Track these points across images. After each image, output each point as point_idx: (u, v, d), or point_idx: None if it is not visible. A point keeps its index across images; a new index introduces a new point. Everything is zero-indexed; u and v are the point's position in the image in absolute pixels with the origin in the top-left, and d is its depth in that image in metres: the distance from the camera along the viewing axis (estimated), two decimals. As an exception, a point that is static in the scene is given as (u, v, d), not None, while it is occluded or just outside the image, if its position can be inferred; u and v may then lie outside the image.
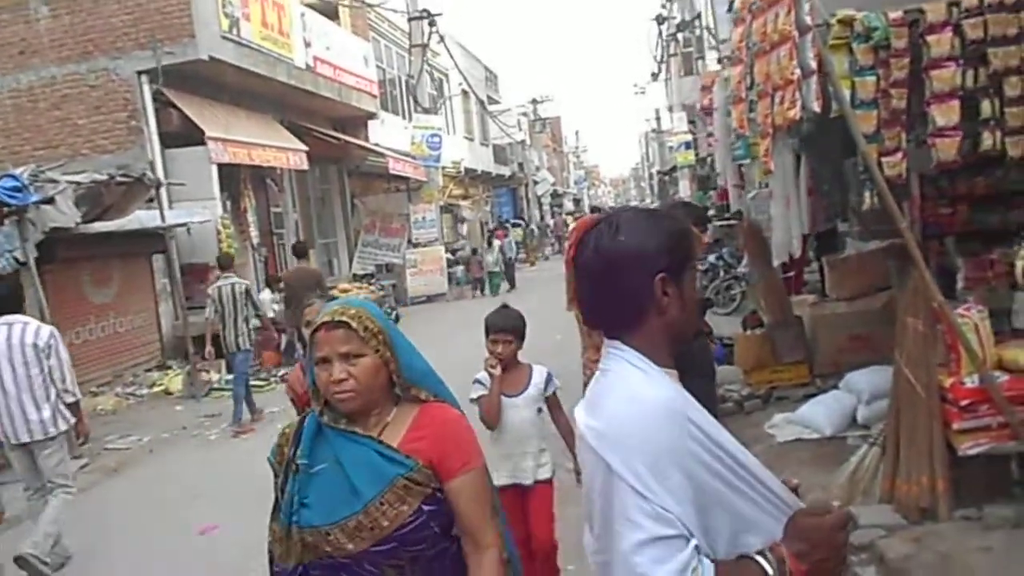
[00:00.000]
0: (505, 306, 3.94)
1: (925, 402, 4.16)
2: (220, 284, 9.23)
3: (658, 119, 45.56)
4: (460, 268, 23.38)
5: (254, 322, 9.17)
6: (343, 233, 19.90)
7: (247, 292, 9.13)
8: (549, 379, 3.80)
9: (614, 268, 1.44)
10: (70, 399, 5.24)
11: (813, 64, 3.82)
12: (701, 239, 3.80)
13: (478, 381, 3.74)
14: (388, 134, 21.01)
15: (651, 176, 68.13)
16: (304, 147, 15.32)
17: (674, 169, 33.80)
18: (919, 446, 4.15)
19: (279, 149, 14.45)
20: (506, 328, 3.73)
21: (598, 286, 1.46)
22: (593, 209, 12.82)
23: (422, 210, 21.63)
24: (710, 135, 9.52)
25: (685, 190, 28.77)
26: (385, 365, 1.90)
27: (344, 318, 1.87)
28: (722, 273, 13.19)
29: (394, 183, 22.74)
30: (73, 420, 5.27)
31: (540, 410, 3.79)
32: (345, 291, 13.40)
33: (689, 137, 27.16)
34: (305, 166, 15.35)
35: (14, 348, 5.11)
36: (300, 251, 12.30)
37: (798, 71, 3.81)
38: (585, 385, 7.05)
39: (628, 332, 1.46)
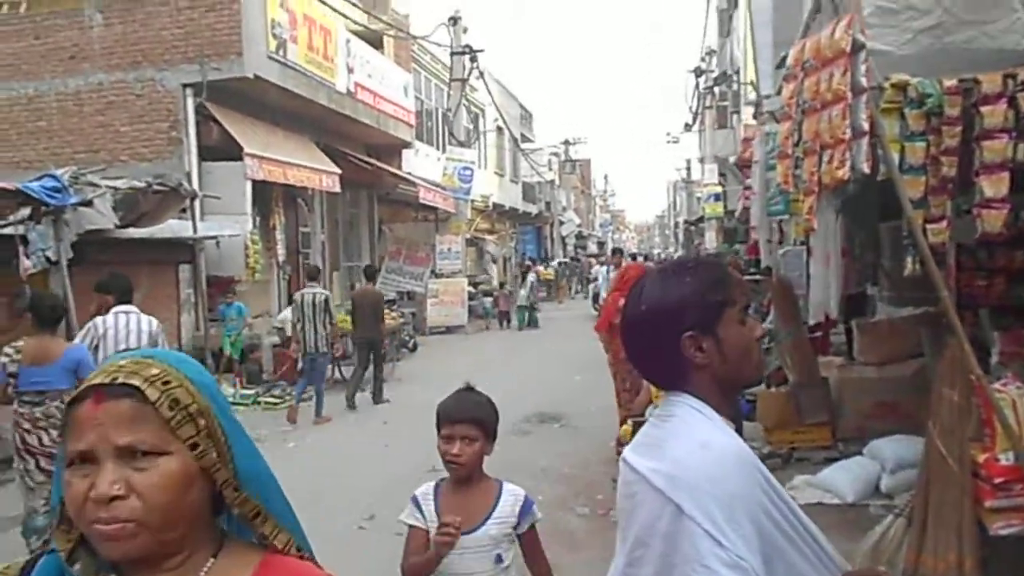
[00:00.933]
0: (469, 388, 2.81)
1: (957, 476, 4.06)
2: (304, 292, 10.64)
3: (688, 169, 45.68)
4: (487, 300, 23.56)
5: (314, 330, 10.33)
6: (368, 257, 19.98)
7: (326, 301, 10.49)
8: (526, 508, 2.51)
9: (645, 329, 1.49)
10: None
11: (865, 125, 3.81)
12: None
13: (415, 503, 2.54)
14: (421, 164, 21.19)
15: (676, 225, 68.15)
16: (338, 170, 15.47)
17: (701, 220, 33.78)
18: (948, 521, 4.05)
19: (313, 170, 14.59)
20: (467, 419, 2.57)
21: (640, 344, 1.52)
22: (615, 251, 13.32)
23: (448, 241, 21.70)
24: (747, 188, 9.51)
25: (711, 241, 28.71)
26: (205, 474, 1.07)
27: (134, 381, 1.04)
28: (746, 328, 13.06)
29: (423, 212, 22.85)
30: None
31: (501, 558, 2.44)
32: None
33: (719, 189, 27.16)
34: (337, 189, 15.49)
35: (132, 332, 5.98)
36: (369, 273, 12.59)
37: (849, 131, 3.79)
38: (622, 422, 7.14)
39: (681, 384, 1.49)
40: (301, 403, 10.19)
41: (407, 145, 19.60)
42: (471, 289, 22.55)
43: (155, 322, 6.18)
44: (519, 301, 23.01)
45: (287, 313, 13.24)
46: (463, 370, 14.13)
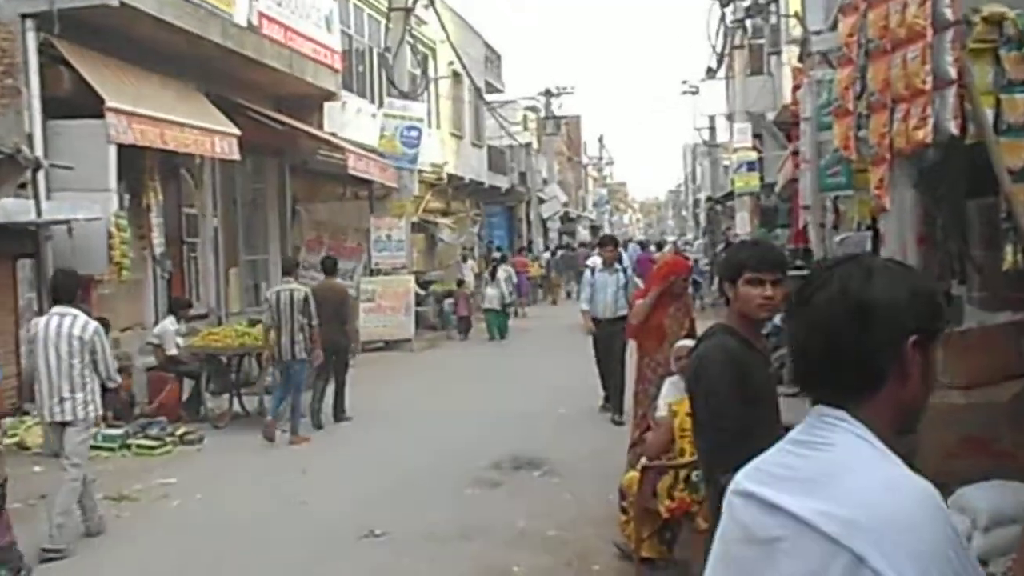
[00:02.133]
0: None
1: (1072, 536, 4.14)
2: (279, 289, 11.83)
3: (712, 130, 45.95)
4: (443, 304, 23.90)
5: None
6: (277, 249, 19.86)
7: (306, 300, 11.54)
8: None
9: (864, 319, 1.61)
10: (111, 385, 7.96)
11: (952, 72, 3.89)
12: (779, 292, 3.79)
13: None
14: (350, 122, 21.13)
15: (696, 203, 68.48)
16: (236, 131, 15.39)
17: (730, 196, 34.00)
18: (1060, 596, 4.12)
19: (202, 131, 14.50)
20: None
21: (836, 338, 1.63)
22: (605, 240, 13.38)
23: (387, 226, 21.65)
24: (794, 153, 9.64)
25: (743, 225, 28.86)
26: None
27: None
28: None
29: (352, 187, 22.72)
30: (100, 411, 7.88)
31: None
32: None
33: (753, 156, 27.33)
34: (235, 156, 15.40)
35: (62, 337, 7.51)
36: (328, 267, 13.61)
37: (930, 79, 3.87)
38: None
39: (857, 401, 1.64)
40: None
41: (331, 97, 19.52)
42: (419, 291, 22.56)
43: (92, 327, 7.62)
44: (488, 303, 23.34)
45: (167, 324, 13.19)
46: (407, 401, 14.23)
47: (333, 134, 19.77)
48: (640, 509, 6.23)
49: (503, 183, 37.97)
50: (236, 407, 12.98)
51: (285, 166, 20.02)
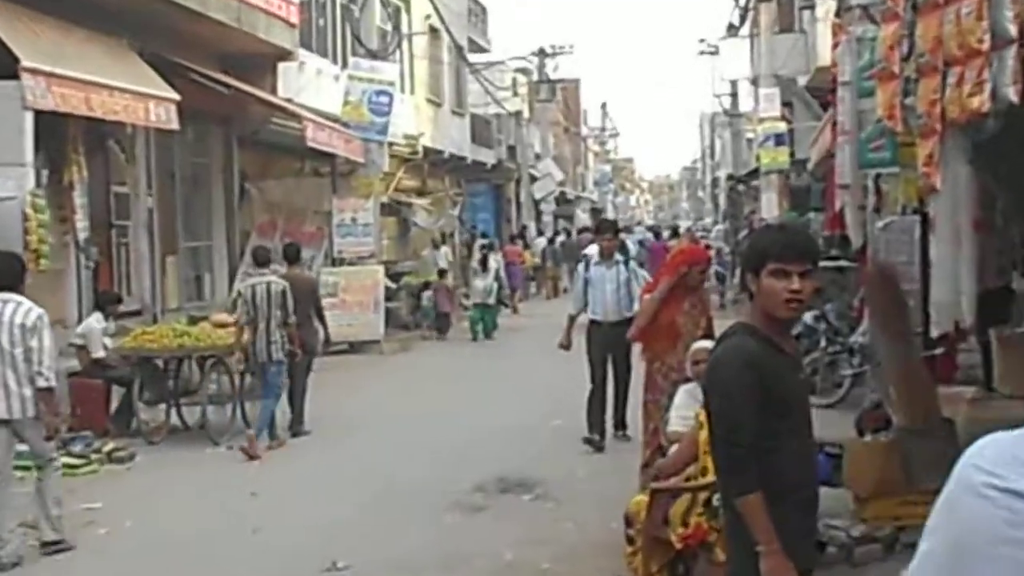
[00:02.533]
0: None
1: None
2: (255, 282, 12.49)
3: (734, 96, 45.97)
4: (419, 298, 24.16)
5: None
6: (223, 234, 19.83)
7: (284, 294, 12.20)
8: None
9: None
10: (42, 383, 7.94)
11: (1012, 29, 3.92)
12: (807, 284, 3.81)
13: None
14: (309, 86, 21.07)
15: (715, 182, 68.40)
16: (174, 95, 15.33)
17: (754, 174, 34.06)
18: None
19: (135, 96, 14.44)
20: None
21: None
22: (602, 224, 13.30)
23: (352, 207, 21.65)
24: (832, 124, 9.65)
25: (770, 207, 28.93)
26: None
27: None
28: (824, 342, 13.26)
29: (312, 163, 22.64)
30: (35, 410, 8.04)
31: None
32: (222, 324, 13.36)
33: (782, 127, 27.40)
34: (174, 125, 15.35)
35: (3, 325, 7.88)
36: (292, 255, 14.15)
37: (988, 38, 3.90)
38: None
39: None
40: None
41: (286, 56, 19.42)
42: (390, 283, 22.53)
43: (36, 313, 8.03)
44: (476, 297, 23.55)
45: (93, 322, 13.16)
46: (376, 413, 14.24)
47: (289, 100, 19.70)
48: (649, 538, 6.27)
49: (489, 158, 37.94)
50: (174, 419, 12.95)
51: (232, 137, 19.94)
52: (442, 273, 24.86)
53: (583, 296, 11.52)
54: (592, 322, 11.50)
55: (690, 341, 7.76)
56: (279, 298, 12.10)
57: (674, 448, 6.96)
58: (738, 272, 24.53)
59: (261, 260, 13.17)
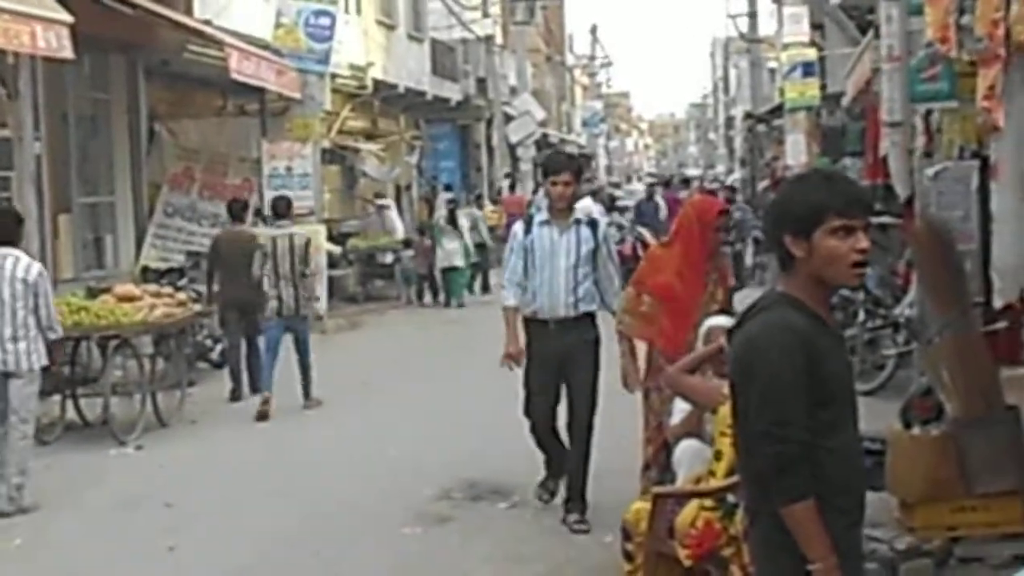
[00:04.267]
0: None
1: None
2: (275, 234, 14.18)
3: (751, 17, 45.93)
4: (398, 259, 25.37)
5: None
6: (127, 187, 19.70)
7: (307, 246, 14.16)
8: None
9: None
10: (53, 336, 9.97)
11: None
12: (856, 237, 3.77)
13: None
14: (231, 6, 20.87)
15: (730, 123, 68.32)
16: (67, 17, 15.18)
17: (777, 112, 34.09)
18: None
19: (16, 17, 14.26)
20: None
21: None
22: (555, 161, 10.41)
23: (287, 153, 21.55)
24: (874, 48, 9.65)
25: (796, 152, 28.96)
26: None
27: None
28: (863, 314, 13.25)
29: (236, 99, 22.53)
30: (28, 364, 9.65)
31: None
32: (127, 298, 13.27)
33: (811, 54, 27.43)
34: (67, 53, 15.18)
35: (4, 280, 9.53)
36: (236, 211, 16.13)
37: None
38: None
39: None
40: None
41: (203, -33, 19.35)
42: (333, 248, 22.50)
43: (36, 268, 9.83)
44: (446, 260, 24.38)
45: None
46: (315, 404, 14.19)
47: (207, 22, 19.48)
48: (651, 554, 6.28)
49: (453, 93, 37.78)
50: (71, 413, 12.87)
51: (138, 68, 19.78)
52: (423, 231, 25.47)
53: (520, 275, 9.03)
54: (530, 321, 9.11)
55: (702, 318, 7.72)
56: (302, 251, 13.94)
57: (681, 445, 6.99)
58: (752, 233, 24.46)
59: (281, 211, 14.68)
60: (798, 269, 3.80)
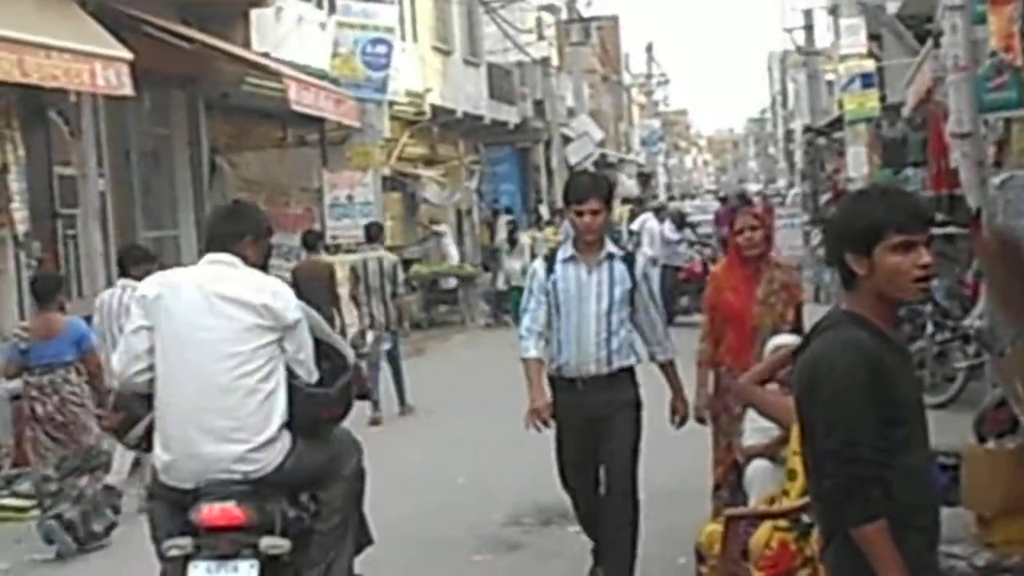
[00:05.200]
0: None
1: None
2: (367, 256, 16.07)
3: (808, 29, 45.78)
4: (497, 282, 25.89)
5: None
6: (191, 220, 19.80)
7: (395, 268, 15.87)
8: None
9: None
10: None
11: None
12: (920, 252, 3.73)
13: None
14: (289, 37, 21.09)
15: (789, 136, 68.05)
16: (126, 54, 15.32)
17: (836, 124, 33.88)
18: None
19: (78, 56, 14.42)
20: None
21: None
22: (580, 185, 8.84)
23: (348, 182, 21.76)
24: (934, 57, 9.56)
25: (857, 164, 28.81)
26: None
27: None
28: (931, 327, 13.11)
29: (296, 130, 22.69)
30: None
31: None
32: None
33: (869, 65, 27.26)
34: (127, 90, 15.33)
35: (125, 306, 9.57)
36: (311, 241, 17.70)
37: None
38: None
39: None
40: None
41: (260, 1, 19.49)
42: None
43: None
44: (510, 279, 24.56)
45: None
46: (382, 430, 14.17)
47: (265, 54, 19.69)
48: (725, 576, 6.22)
49: (511, 116, 37.80)
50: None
51: (198, 102, 19.94)
52: (494, 252, 27.45)
53: (542, 324, 7.60)
54: (555, 379, 7.67)
55: (768, 336, 7.63)
56: (391, 273, 15.56)
57: (752, 465, 6.92)
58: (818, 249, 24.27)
59: (373, 235, 16.50)
60: (861, 286, 3.78)
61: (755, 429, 7.01)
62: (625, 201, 46.88)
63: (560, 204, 40.61)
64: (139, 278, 9.08)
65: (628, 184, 56.58)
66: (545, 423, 7.57)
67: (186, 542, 5.64)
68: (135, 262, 11.07)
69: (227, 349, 5.70)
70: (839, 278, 3.95)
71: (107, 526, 9.88)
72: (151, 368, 5.83)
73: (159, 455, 5.84)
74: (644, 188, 65.12)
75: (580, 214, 7.38)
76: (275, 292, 5.98)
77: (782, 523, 6.04)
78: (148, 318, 5.87)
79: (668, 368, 7.76)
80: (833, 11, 34.84)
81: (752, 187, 76.26)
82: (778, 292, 8.10)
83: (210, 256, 6.11)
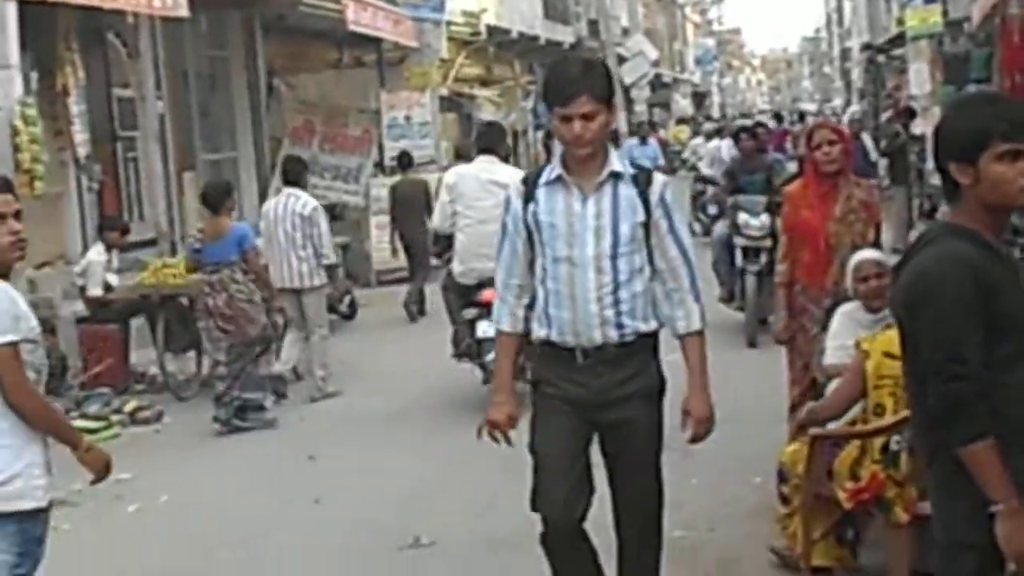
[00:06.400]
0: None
1: None
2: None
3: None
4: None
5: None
6: (249, 142, 19.93)
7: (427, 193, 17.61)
8: None
9: None
10: (326, 261, 12.36)
11: None
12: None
13: None
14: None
15: (845, 54, 67.20)
16: (183, -28, 15.29)
17: (896, 41, 33.53)
18: None
19: (135, -24, 14.40)
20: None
21: None
22: (567, 79, 7.23)
23: (405, 103, 21.76)
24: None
25: (920, 82, 28.52)
26: None
27: None
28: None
29: (352, 51, 22.78)
30: (326, 280, 12.58)
31: None
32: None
33: (933, -21, 26.97)
34: (184, 12, 15.31)
35: (288, 213, 12.22)
36: (405, 162, 18.86)
37: None
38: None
39: None
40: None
41: (316, -82, 19.34)
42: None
43: (311, 205, 12.42)
44: None
45: (92, 255, 13.25)
46: (435, 363, 13.94)
47: (322, -27, 19.61)
48: (809, 496, 6.18)
49: (566, 36, 37.70)
50: (206, 369, 13.00)
51: (255, 23, 20.02)
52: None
53: (521, 275, 5.49)
54: (543, 349, 5.48)
55: (847, 255, 7.51)
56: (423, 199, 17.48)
57: (833, 385, 6.83)
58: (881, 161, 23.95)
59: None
60: (966, 197, 3.71)
61: (836, 347, 6.92)
62: (680, 121, 46.65)
63: (621, 124, 40.99)
64: (304, 187, 12.79)
65: (683, 104, 56.21)
66: (506, 439, 5.45)
67: (474, 311, 10.79)
68: (299, 173, 12.91)
69: (494, 212, 8.53)
70: (943, 189, 3.89)
71: (263, 405, 11.39)
72: (454, 222, 10.86)
73: (456, 266, 10.97)
74: (698, 108, 64.70)
75: (567, 119, 5.14)
76: (512, 175, 8.89)
77: (873, 456, 5.98)
78: (451, 193, 10.95)
79: (690, 344, 5.42)
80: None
81: (807, 106, 75.70)
82: (857, 210, 7.98)
83: (482, 156, 11.12)
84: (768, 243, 12.77)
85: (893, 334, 4.35)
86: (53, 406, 5.46)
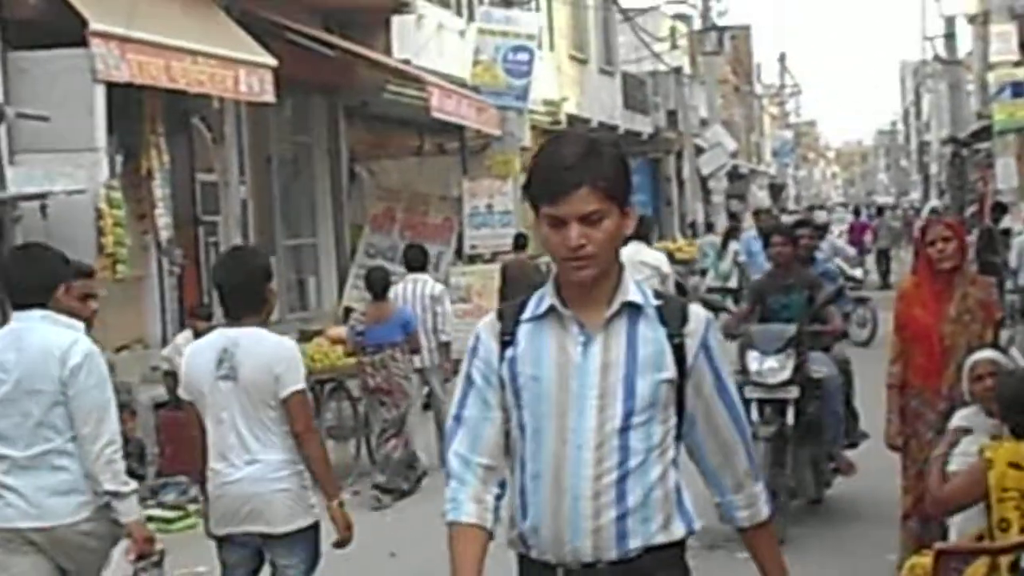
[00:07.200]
0: None
1: None
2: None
3: (949, 37, 45.03)
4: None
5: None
6: (329, 228, 19.93)
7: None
8: None
9: None
10: (444, 338, 13.06)
11: None
12: None
13: None
14: (429, 44, 21.09)
15: (924, 148, 66.88)
16: (270, 60, 15.37)
17: (981, 134, 33.22)
18: None
19: (222, 62, 14.49)
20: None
21: None
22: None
23: (487, 191, 21.64)
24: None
25: (1008, 175, 28.28)
26: None
27: None
28: None
29: (435, 138, 22.63)
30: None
31: None
32: (340, 340, 13.26)
33: (1021, 73, 26.72)
34: (269, 97, 15.41)
35: (417, 297, 12.97)
36: (521, 242, 19.34)
37: None
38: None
39: None
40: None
41: (401, 8, 19.46)
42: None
43: (438, 288, 13.46)
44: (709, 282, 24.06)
45: (181, 342, 13.09)
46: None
47: (406, 61, 19.74)
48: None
49: (645, 126, 37.75)
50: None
51: (339, 109, 20.09)
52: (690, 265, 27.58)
53: (490, 448, 3.73)
54: (526, 561, 3.79)
55: (963, 358, 7.17)
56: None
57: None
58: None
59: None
60: None
61: (962, 454, 6.57)
62: (756, 214, 46.33)
63: (698, 215, 40.99)
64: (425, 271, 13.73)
65: (759, 196, 56.03)
66: None
67: None
68: (421, 260, 13.82)
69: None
70: None
71: (414, 480, 12.25)
72: None
73: None
74: (775, 199, 64.52)
75: (559, 223, 3.54)
76: (659, 257, 9.97)
77: (1004, 572, 5.65)
78: None
79: (759, 539, 3.88)
80: (972, 20, 34.14)
81: (882, 200, 75.43)
82: (973, 310, 7.66)
83: (632, 242, 11.42)
84: (794, 393, 9.37)
85: (1020, 445, 4.06)
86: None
